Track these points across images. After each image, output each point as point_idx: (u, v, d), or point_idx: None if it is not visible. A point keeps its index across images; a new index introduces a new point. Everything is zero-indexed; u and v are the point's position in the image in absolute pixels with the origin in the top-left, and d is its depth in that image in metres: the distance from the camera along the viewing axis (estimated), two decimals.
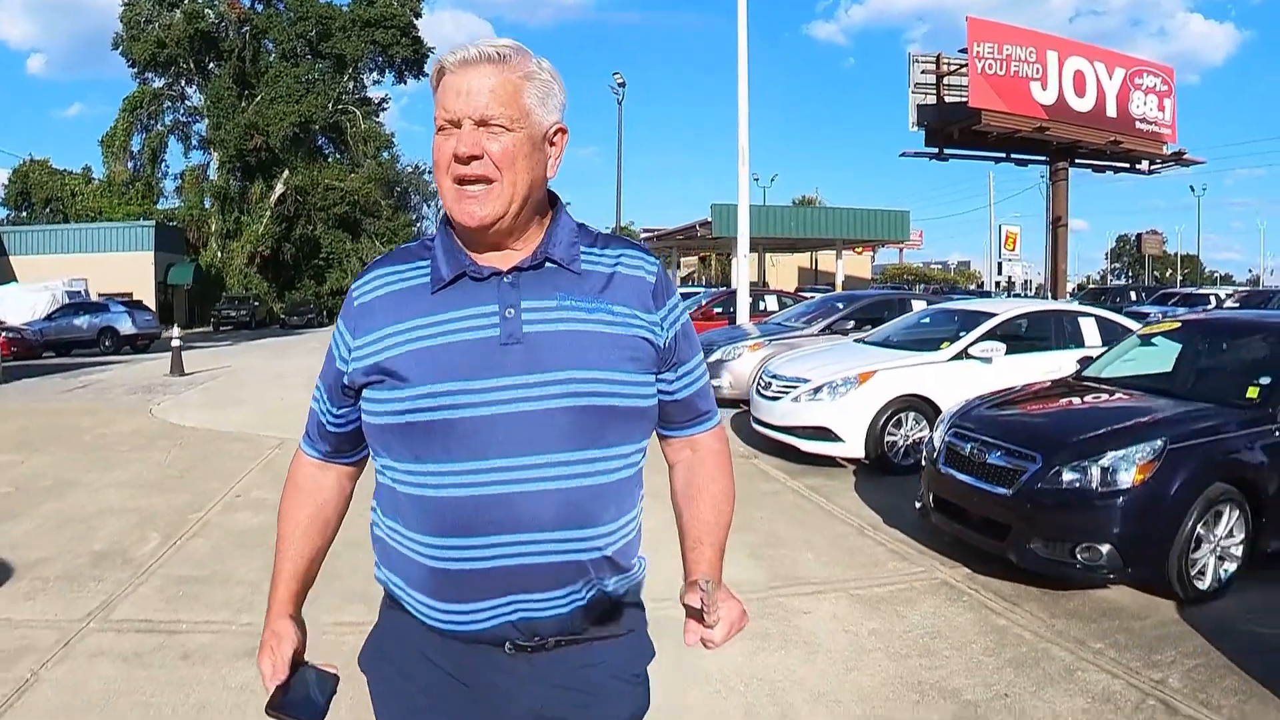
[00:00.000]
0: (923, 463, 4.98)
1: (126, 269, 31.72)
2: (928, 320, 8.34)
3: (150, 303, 28.10)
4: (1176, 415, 4.12)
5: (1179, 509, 3.73)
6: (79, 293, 24.92)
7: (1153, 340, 5.41)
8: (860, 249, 41.48)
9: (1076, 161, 21.95)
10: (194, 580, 4.19)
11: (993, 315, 7.24)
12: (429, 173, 37.87)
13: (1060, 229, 22.07)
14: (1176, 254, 65.48)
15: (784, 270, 49.21)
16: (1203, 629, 3.52)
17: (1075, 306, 9.94)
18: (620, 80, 27.50)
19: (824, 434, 6.57)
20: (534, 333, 1.14)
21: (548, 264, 1.19)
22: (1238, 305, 20.92)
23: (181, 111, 40.34)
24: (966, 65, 19.59)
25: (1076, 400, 4.80)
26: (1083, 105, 20.53)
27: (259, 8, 40.14)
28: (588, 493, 1.14)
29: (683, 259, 49.42)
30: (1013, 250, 26.15)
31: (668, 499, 1.33)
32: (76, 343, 21.18)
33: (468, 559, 1.13)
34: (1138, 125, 21.33)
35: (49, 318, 21.80)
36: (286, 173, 38.71)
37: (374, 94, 43.80)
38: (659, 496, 1.34)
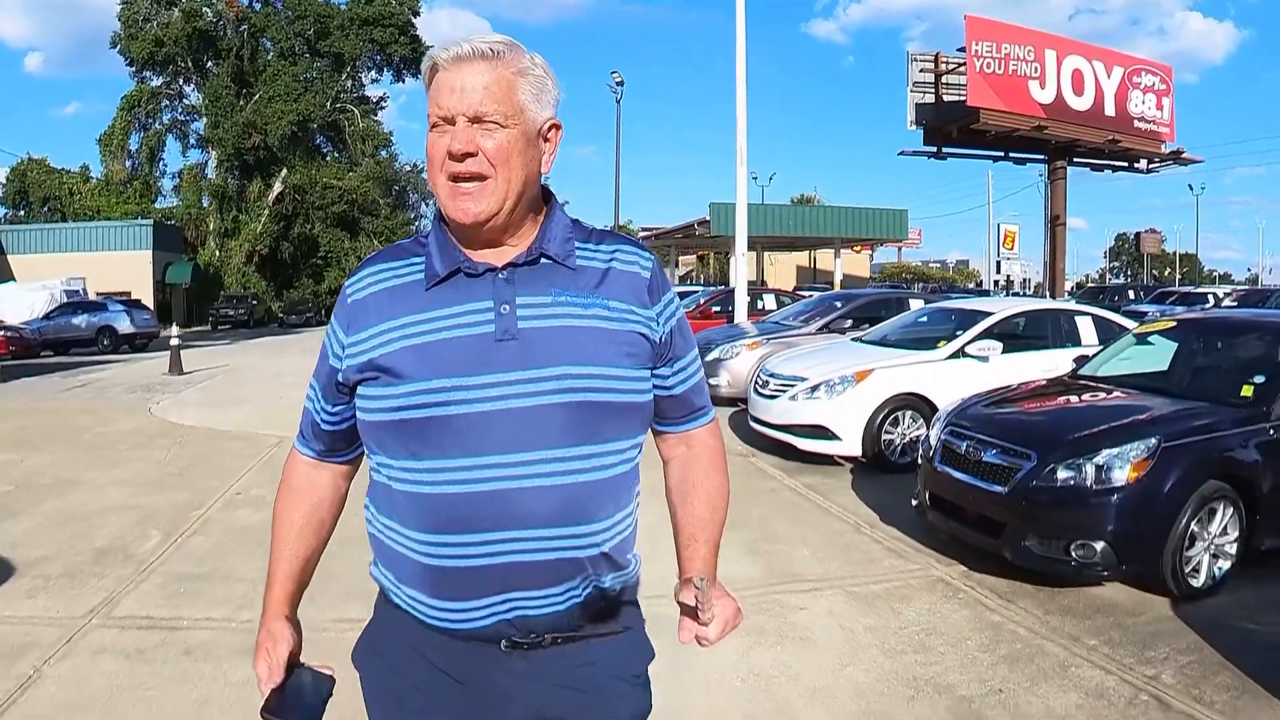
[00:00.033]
0: (919, 461, 5.00)
1: (124, 268, 31.66)
2: (925, 319, 8.34)
3: (148, 302, 28.11)
4: (1171, 413, 4.14)
5: (1173, 507, 3.75)
6: (77, 292, 24.94)
7: (1148, 339, 5.44)
8: (858, 248, 41.42)
9: (1075, 160, 22.01)
10: (195, 577, 4.21)
11: (989, 314, 7.25)
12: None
13: (1059, 228, 22.12)
14: (1175, 253, 65.51)
15: (782, 269, 49.13)
16: (1196, 626, 3.54)
17: (1072, 305, 9.96)
18: (619, 79, 27.49)
19: (821, 432, 6.59)
20: (529, 328, 1.13)
21: (542, 260, 1.18)
22: (1236, 304, 20.96)
23: (179, 110, 40.30)
24: (965, 64, 19.63)
25: (1072, 398, 4.82)
26: (1081, 104, 20.58)
27: (257, 6, 40.09)
28: (584, 489, 1.14)
29: (681, 258, 49.40)
30: (1011, 249, 26.23)
31: (663, 495, 1.34)
32: (75, 342, 21.19)
33: (463, 556, 1.12)
34: (1136, 124, 21.37)
35: (47, 317, 21.82)
36: (285, 171, 38.62)
37: (372, 92, 43.80)
38: (655, 493, 1.36)
